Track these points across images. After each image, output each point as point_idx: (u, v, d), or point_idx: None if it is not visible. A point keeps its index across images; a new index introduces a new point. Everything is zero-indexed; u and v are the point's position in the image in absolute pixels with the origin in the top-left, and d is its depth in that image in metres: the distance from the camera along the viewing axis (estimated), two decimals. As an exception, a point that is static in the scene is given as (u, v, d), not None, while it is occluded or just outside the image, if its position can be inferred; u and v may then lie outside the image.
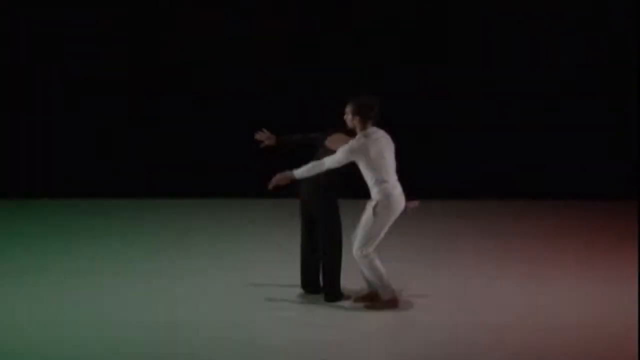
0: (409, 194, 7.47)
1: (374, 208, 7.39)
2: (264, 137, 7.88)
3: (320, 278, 7.76)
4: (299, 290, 7.85)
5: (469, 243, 9.93)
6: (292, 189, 7.65)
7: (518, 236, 10.25)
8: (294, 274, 7.99)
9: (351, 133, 7.54)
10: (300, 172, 7.46)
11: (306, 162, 7.48)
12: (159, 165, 12.44)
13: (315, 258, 7.74)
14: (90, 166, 12.44)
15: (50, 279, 8.32)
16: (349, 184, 7.63)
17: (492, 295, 7.93)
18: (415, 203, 7.56)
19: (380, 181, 7.41)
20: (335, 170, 7.43)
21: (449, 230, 10.60)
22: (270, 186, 7.41)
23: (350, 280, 7.78)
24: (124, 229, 10.65)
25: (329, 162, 7.42)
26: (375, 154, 7.38)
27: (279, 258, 9.08)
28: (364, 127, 7.46)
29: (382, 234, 7.47)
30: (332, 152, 7.52)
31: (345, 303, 7.59)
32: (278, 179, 7.44)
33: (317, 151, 7.67)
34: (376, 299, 7.60)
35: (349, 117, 7.51)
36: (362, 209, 7.47)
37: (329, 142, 7.65)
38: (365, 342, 6.86)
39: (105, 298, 7.76)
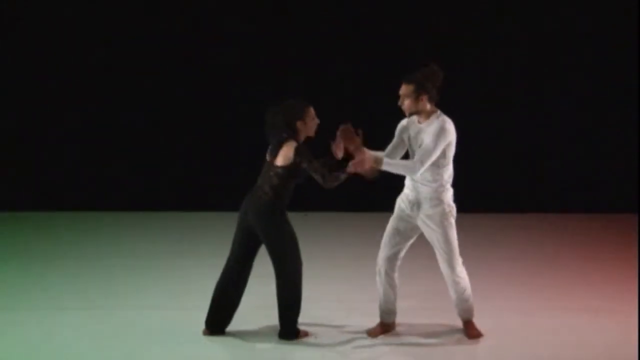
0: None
1: (448, 213, 6.08)
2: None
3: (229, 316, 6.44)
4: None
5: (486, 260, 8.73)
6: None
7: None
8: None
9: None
10: (390, 165, 5.83)
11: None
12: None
13: (236, 292, 6.40)
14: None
15: None
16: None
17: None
18: None
19: (450, 178, 6.11)
20: (285, 184, 6.13)
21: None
22: (351, 170, 5.82)
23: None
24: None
25: (422, 157, 5.85)
26: (454, 142, 6.04)
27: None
28: (433, 109, 6.01)
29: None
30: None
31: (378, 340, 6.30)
32: (361, 162, 5.76)
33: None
34: (390, 329, 6.39)
35: (408, 102, 5.96)
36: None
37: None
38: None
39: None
